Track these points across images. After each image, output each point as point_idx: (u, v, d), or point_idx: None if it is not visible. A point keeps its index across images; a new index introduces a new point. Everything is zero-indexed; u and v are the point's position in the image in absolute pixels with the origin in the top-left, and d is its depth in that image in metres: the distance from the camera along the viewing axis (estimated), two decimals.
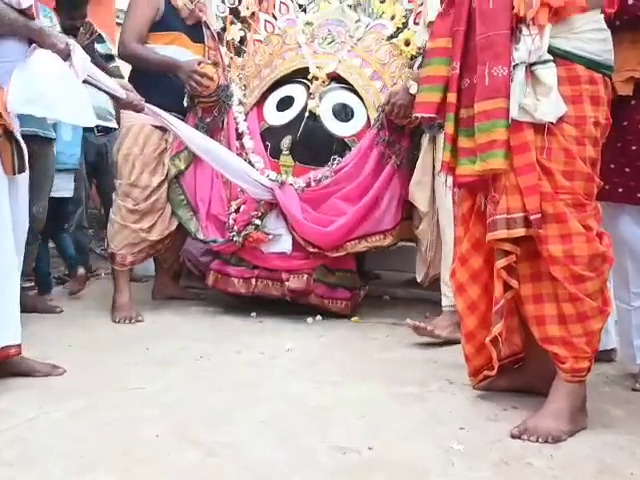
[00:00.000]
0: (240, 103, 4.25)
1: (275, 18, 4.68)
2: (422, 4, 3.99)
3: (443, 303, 3.63)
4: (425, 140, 3.84)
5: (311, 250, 3.89)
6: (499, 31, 2.38)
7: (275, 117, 4.20)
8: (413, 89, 3.65)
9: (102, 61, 4.82)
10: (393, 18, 4.32)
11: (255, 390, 2.82)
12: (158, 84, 3.96)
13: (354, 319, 4.07)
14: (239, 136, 4.15)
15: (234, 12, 4.96)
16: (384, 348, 3.50)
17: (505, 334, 2.58)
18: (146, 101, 3.69)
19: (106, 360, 3.18)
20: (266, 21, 4.73)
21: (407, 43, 4.19)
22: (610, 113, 2.51)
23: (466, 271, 2.65)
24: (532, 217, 2.38)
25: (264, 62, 4.40)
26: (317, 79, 4.15)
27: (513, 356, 2.82)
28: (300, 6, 4.77)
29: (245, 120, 4.21)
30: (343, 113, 4.13)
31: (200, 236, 4.08)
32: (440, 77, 2.57)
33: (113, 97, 3.34)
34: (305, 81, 4.19)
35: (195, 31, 4.16)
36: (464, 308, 2.67)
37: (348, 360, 3.26)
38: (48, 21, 4.44)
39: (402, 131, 3.93)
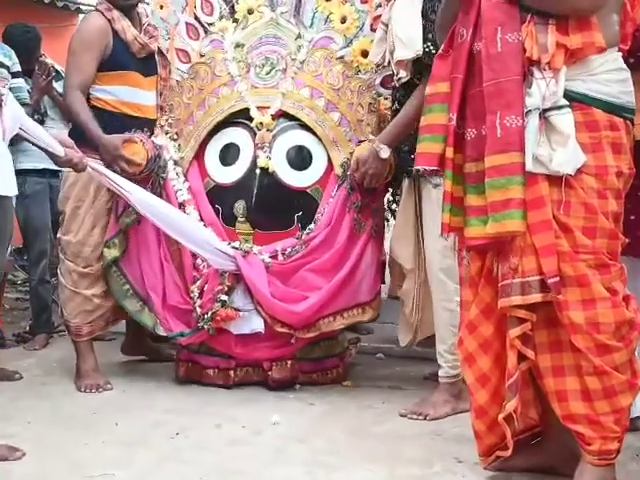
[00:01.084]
0: (175, 163, 3.91)
1: (198, 21, 4.24)
2: (379, 6, 3.80)
3: (440, 373, 3.49)
4: (405, 185, 3.65)
5: (279, 330, 3.67)
6: (510, 77, 2.31)
7: (221, 173, 3.90)
8: (384, 153, 3.46)
9: (62, 100, 4.69)
10: (344, 21, 3.95)
11: (238, 477, 2.71)
12: (106, 130, 3.79)
13: (346, 383, 3.97)
14: (180, 206, 3.83)
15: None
16: (381, 418, 3.42)
17: (520, 408, 2.47)
18: (83, 142, 3.60)
19: (70, 440, 3.08)
20: (187, 24, 4.28)
21: (364, 54, 3.87)
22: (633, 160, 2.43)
23: (475, 339, 2.55)
24: (549, 281, 2.29)
25: (194, 101, 4.03)
26: (262, 126, 3.80)
27: (529, 430, 2.72)
28: (226, 3, 4.26)
29: (186, 180, 3.89)
30: (300, 159, 3.84)
31: (160, 331, 3.84)
32: (442, 126, 2.50)
33: (50, 155, 3.18)
34: (248, 123, 3.86)
35: (147, 64, 4.03)
36: (474, 381, 2.58)
37: (342, 435, 3.19)
38: (7, 60, 4.42)
39: (375, 191, 3.71)
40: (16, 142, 4.05)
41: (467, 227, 2.47)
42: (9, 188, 2.72)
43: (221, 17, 4.25)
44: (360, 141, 3.72)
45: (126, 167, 3.70)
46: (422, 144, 2.58)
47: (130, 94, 3.93)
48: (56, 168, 4.04)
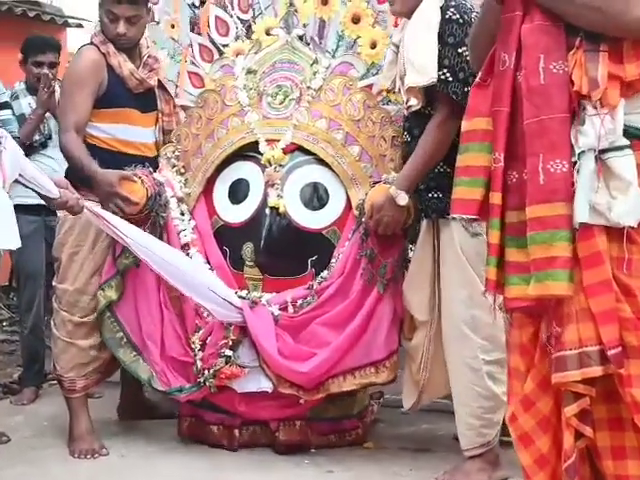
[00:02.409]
0: (180, 201, 3.77)
1: (212, 42, 4.19)
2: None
3: (463, 444, 3.26)
4: (423, 226, 3.44)
5: (285, 391, 3.47)
6: (554, 114, 2.09)
7: (229, 212, 3.73)
8: (402, 200, 3.25)
9: None
10: (374, 46, 3.78)
11: None
12: (111, 163, 3.69)
13: (367, 445, 3.77)
14: (183, 248, 3.68)
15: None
16: None
17: None
18: (81, 184, 3.56)
19: None
20: (201, 45, 4.23)
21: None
22: None
23: (533, 417, 2.29)
24: (610, 352, 2.05)
25: (203, 132, 3.87)
26: (272, 160, 3.62)
27: None
28: (243, 22, 4.18)
29: (192, 218, 3.75)
30: (315, 198, 3.66)
31: (157, 385, 3.63)
32: (480, 168, 2.29)
33: (45, 198, 3.08)
34: (258, 157, 3.68)
35: (146, 98, 3.92)
36: (531, 464, 2.30)
37: None
38: None
39: (393, 237, 3.47)
40: None
41: (507, 286, 2.26)
42: (11, 241, 2.64)
43: (237, 37, 4.14)
44: (375, 182, 3.50)
45: (122, 205, 3.53)
46: (458, 188, 2.35)
47: (126, 132, 3.84)
48: None
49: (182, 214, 3.76)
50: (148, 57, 3.94)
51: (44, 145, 4.78)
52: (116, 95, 3.81)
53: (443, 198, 3.23)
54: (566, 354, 2.11)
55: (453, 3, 3.18)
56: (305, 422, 3.60)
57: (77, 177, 3.63)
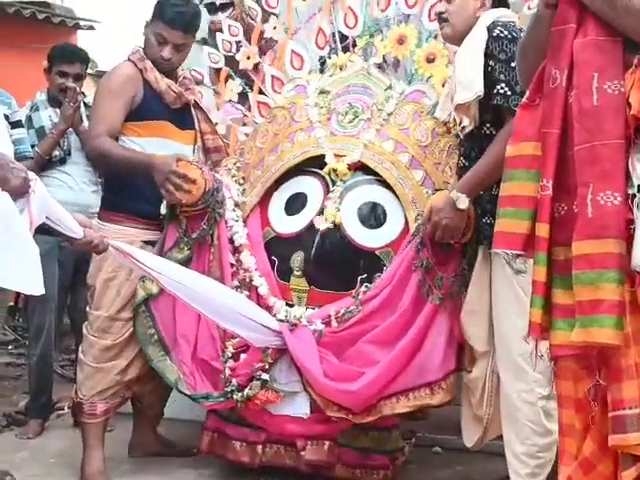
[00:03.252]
0: (236, 205, 3.81)
1: (285, 74, 4.31)
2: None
3: None
4: (479, 254, 3.37)
5: (333, 414, 3.38)
6: (607, 140, 1.95)
7: (284, 223, 3.75)
8: (462, 203, 3.22)
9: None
10: (444, 84, 3.85)
11: None
12: (141, 184, 3.69)
13: None
14: (236, 250, 3.70)
15: (231, 63, 4.64)
16: None
17: None
18: (119, 207, 3.66)
19: None
20: (273, 77, 4.36)
21: None
22: None
23: None
24: None
25: (267, 146, 3.95)
26: (336, 173, 3.67)
27: None
28: (319, 58, 4.34)
29: (245, 226, 3.77)
30: (372, 217, 3.65)
31: (184, 388, 3.59)
32: (526, 198, 2.15)
33: (68, 238, 3.05)
34: (321, 172, 3.73)
35: (182, 115, 3.92)
36: None
37: None
38: (5, 108, 4.35)
39: (450, 249, 3.42)
40: None
41: (553, 331, 2.13)
42: (35, 287, 2.58)
43: (310, 72, 4.27)
44: (436, 189, 3.50)
45: (180, 183, 3.50)
46: (502, 220, 2.24)
47: (162, 146, 3.79)
48: None
49: (236, 218, 3.78)
50: (183, 78, 3.98)
51: (62, 161, 4.62)
52: (151, 108, 3.81)
53: (494, 224, 3.16)
54: (625, 413, 1.97)
55: (501, 22, 3.24)
56: (334, 445, 3.50)
57: (115, 203, 3.72)
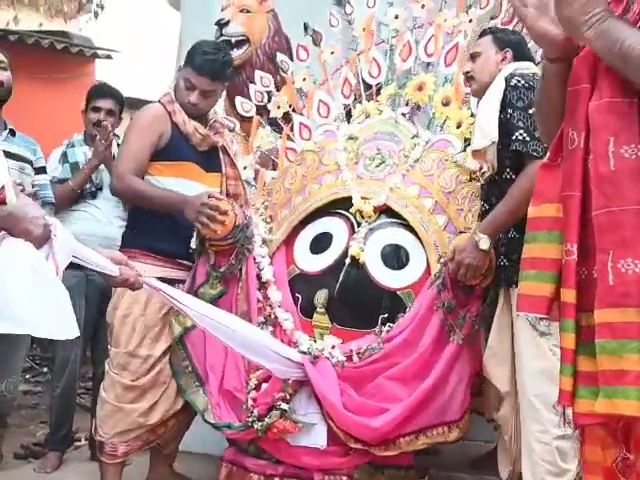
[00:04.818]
0: (264, 242, 4.01)
1: (313, 121, 4.59)
2: None
3: None
4: (501, 296, 3.55)
5: (353, 445, 3.52)
6: (626, 206, 1.92)
7: (308, 261, 3.94)
8: (484, 244, 3.40)
9: None
10: (459, 126, 4.12)
11: None
12: (160, 222, 3.87)
13: None
14: (262, 285, 3.89)
15: (262, 112, 4.99)
16: None
17: None
18: (136, 244, 3.82)
19: None
20: (302, 124, 4.64)
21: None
22: None
23: None
24: None
25: (295, 187, 4.18)
26: (361, 214, 3.87)
27: None
28: (345, 106, 4.66)
29: (271, 264, 3.96)
30: (395, 258, 3.83)
31: (210, 418, 3.75)
32: (548, 261, 2.13)
33: (104, 275, 3.14)
34: (347, 214, 3.94)
35: (209, 158, 4.07)
36: None
37: None
38: (31, 154, 4.52)
39: (471, 292, 3.59)
40: None
41: (577, 399, 2.06)
42: (70, 331, 2.65)
43: (335, 119, 4.58)
44: (460, 232, 3.69)
45: (212, 214, 3.68)
46: (524, 283, 2.20)
47: (188, 187, 3.91)
48: None
49: (263, 255, 3.97)
50: (214, 121, 4.13)
51: (94, 195, 4.83)
52: (178, 149, 3.94)
53: (509, 266, 3.43)
54: None
55: (518, 72, 3.46)
56: (350, 478, 3.59)
57: (131, 238, 3.91)
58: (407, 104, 4.36)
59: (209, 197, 3.73)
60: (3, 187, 2.57)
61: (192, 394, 3.83)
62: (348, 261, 3.77)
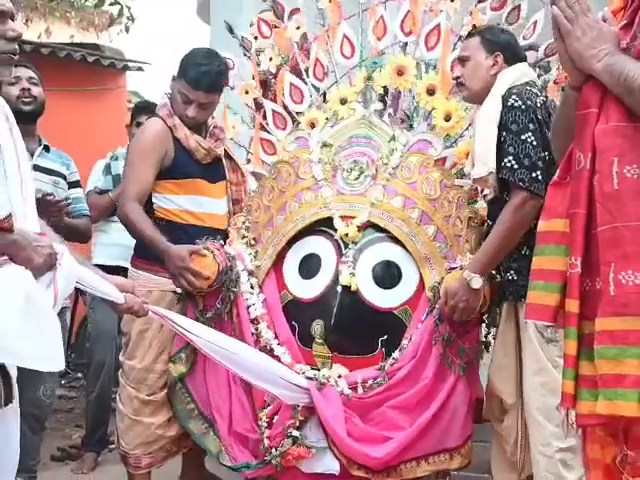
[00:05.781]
0: (250, 274, 3.95)
1: (286, 109, 4.40)
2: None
3: None
4: (504, 309, 3.60)
5: (355, 473, 3.55)
6: (629, 222, 2.10)
7: (300, 287, 3.88)
8: (475, 284, 3.39)
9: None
10: (448, 119, 3.94)
11: None
12: (181, 237, 3.92)
13: None
14: (254, 321, 3.86)
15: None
16: None
17: None
18: (153, 256, 3.83)
19: None
20: (274, 112, 4.43)
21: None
22: None
23: None
24: None
25: (275, 204, 4.05)
26: (346, 238, 3.78)
27: None
28: (317, 90, 4.38)
29: (261, 292, 3.92)
30: (387, 276, 3.77)
31: (225, 460, 3.79)
32: (556, 272, 2.31)
33: (109, 303, 3.17)
34: (331, 232, 3.85)
35: (214, 169, 4.15)
36: None
37: None
38: (64, 169, 4.67)
39: (468, 322, 3.59)
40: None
41: (579, 401, 2.23)
42: (55, 363, 2.61)
43: (311, 105, 4.34)
44: (451, 268, 3.62)
45: (193, 280, 3.71)
46: (532, 293, 2.38)
47: (196, 203, 4.05)
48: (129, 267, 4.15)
49: (252, 287, 3.92)
50: (214, 127, 4.18)
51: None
52: (183, 166, 4.03)
53: (517, 280, 3.45)
54: None
55: (515, 90, 3.41)
56: None
57: (147, 251, 3.90)
58: (385, 94, 4.15)
59: (192, 255, 3.73)
60: (10, 215, 2.55)
61: (202, 437, 3.88)
62: (340, 289, 3.70)
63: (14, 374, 2.74)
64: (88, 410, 5.19)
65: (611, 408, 2.08)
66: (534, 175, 3.30)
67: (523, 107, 3.35)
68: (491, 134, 3.38)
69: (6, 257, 2.56)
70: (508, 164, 3.33)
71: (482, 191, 3.57)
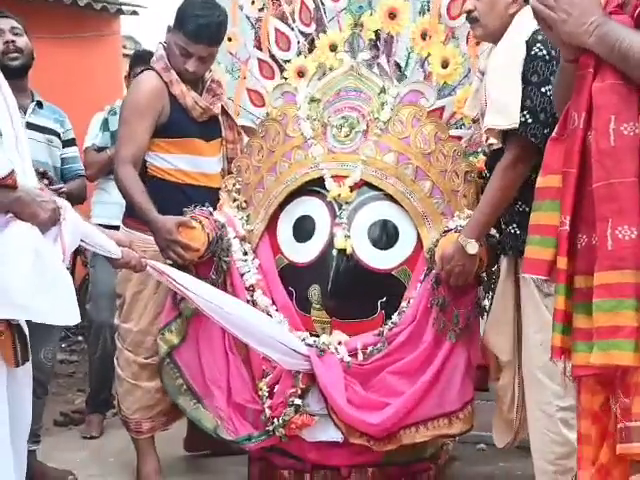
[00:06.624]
0: (243, 239, 3.88)
1: (273, 57, 4.26)
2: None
3: None
4: (503, 264, 3.53)
5: (355, 441, 3.54)
6: (624, 178, 2.16)
7: (294, 251, 3.83)
8: (471, 249, 3.32)
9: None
10: (445, 66, 3.82)
11: None
12: (166, 202, 3.84)
13: None
14: (249, 289, 3.81)
15: None
16: None
17: None
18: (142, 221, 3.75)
19: None
20: (260, 61, 4.30)
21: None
22: None
23: None
24: None
25: (264, 164, 3.97)
26: (339, 199, 3.72)
27: None
28: (305, 36, 4.21)
29: (255, 258, 3.87)
30: (384, 236, 3.71)
31: (224, 434, 3.75)
32: (552, 227, 2.38)
33: (108, 259, 3.21)
34: (323, 192, 3.77)
35: (210, 127, 4.07)
36: None
37: None
38: (58, 126, 4.53)
39: (465, 285, 3.51)
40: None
41: (573, 352, 2.33)
42: (71, 317, 2.69)
43: (299, 53, 4.20)
44: (446, 231, 3.55)
45: (182, 253, 3.64)
46: (530, 247, 2.46)
47: (191, 162, 3.97)
48: None
49: (245, 254, 3.86)
50: (211, 82, 4.07)
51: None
52: (179, 124, 3.93)
53: (520, 235, 3.31)
54: (632, 425, 2.20)
55: (540, 37, 3.13)
56: (377, 469, 3.68)
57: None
58: (376, 40, 3.99)
59: (180, 227, 3.66)
60: (12, 171, 2.56)
61: (193, 412, 3.85)
62: (335, 253, 3.65)
63: (27, 334, 2.77)
64: (92, 371, 5.20)
65: (605, 358, 2.16)
66: (546, 132, 3.06)
67: (547, 57, 3.13)
68: (516, 83, 3.16)
69: (11, 215, 2.61)
70: (522, 118, 3.13)
71: (487, 139, 3.39)
